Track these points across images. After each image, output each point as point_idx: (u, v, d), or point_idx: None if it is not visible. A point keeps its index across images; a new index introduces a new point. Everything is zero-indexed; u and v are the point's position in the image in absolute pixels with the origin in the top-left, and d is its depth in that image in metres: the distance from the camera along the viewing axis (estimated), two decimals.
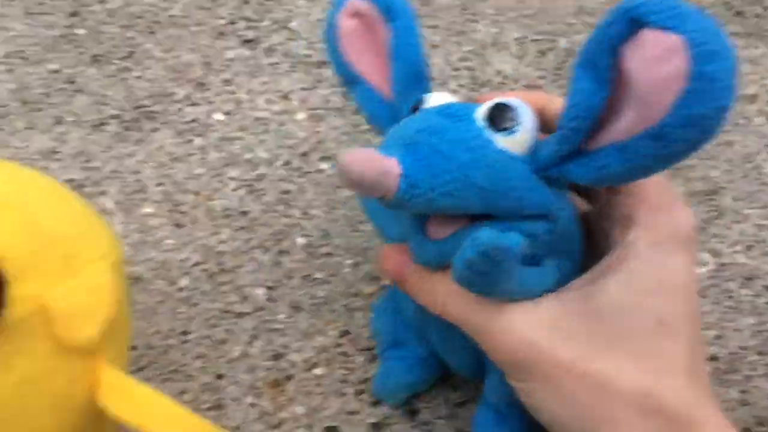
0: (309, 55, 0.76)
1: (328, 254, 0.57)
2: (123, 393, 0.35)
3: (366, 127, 0.68)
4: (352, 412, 0.47)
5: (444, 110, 0.38)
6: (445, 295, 0.38)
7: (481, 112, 0.36)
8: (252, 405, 0.47)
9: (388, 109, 0.44)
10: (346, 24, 0.45)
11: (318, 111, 0.70)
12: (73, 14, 0.80)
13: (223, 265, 0.56)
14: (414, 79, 0.42)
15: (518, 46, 0.78)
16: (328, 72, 0.74)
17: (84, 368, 0.35)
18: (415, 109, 0.40)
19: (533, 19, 0.81)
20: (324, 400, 0.48)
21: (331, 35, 0.45)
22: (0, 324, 0.30)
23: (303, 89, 0.72)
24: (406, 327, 0.47)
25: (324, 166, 0.64)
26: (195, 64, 0.75)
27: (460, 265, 0.33)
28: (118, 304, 0.35)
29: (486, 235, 0.32)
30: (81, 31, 0.78)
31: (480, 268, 0.33)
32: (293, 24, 0.80)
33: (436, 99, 0.40)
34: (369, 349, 0.50)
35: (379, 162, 0.34)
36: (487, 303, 0.36)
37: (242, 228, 0.59)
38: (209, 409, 0.47)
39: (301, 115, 0.69)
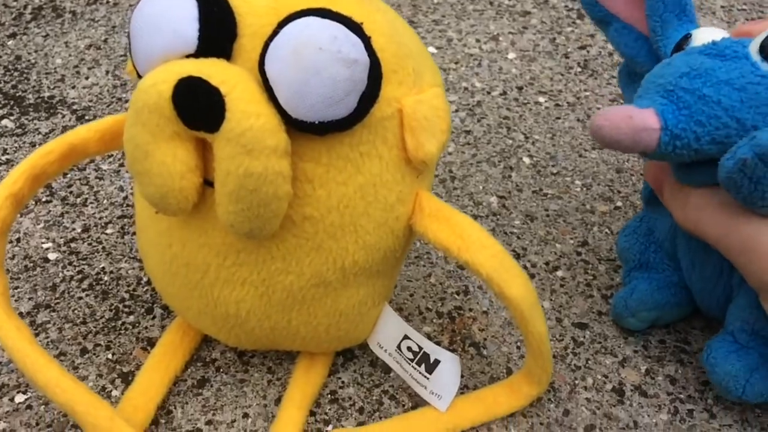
0: (513, 5, 0.77)
1: (557, 174, 0.56)
2: (443, 220, 0.35)
3: (579, 69, 0.68)
4: (601, 313, 0.46)
5: (710, 49, 0.34)
6: (698, 209, 0.35)
7: (755, 44, 0.33)
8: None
9: (647, 48, 0.41)
10: None
11: (528, 53, 0.70)
12: None
13: (453, 174, 0.56)
14: (676, 11, 0.39)
15: None
16: (534, 20, 0.75)
17: (412, 189, 0.35)
18: (679, 47, 0.37)
19: None
20: (570, 300, 0.47)
21: None
22: (365, 119, 0.31)
23: (511, 33, 0.73)
24: (656, 250, 0.44)
25: (541, 99, 0.64)
26: (403, 5, 0.77)
27: (731, 164, 0.30)
28: (448, 133, 0.36)
29: (767, 137, 0.29)
30: None
31: (753, 172, 0.30)
32: None
33: (704, 35, 0.36)
34: (611, 260, 0.49)
35: (635, 119, 0.31)
36: (753, 216, 0.33)
37: (467, 144, 0.59)
38: (455, 293, 0.46)
39: (512, 55, 0.70)
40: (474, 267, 0.34)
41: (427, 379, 0.39)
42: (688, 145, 0.32)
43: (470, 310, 0.46)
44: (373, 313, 0.39)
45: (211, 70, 0.29)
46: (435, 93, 0.34)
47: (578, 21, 0.75)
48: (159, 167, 0.30)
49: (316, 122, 0.30)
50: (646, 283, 0.43)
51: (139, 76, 0.32)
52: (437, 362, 0.39)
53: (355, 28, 0.30)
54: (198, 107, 0.29)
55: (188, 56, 0.30)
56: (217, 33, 0.30)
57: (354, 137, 0.32)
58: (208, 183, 0.32)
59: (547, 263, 0.49)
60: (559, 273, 0.48)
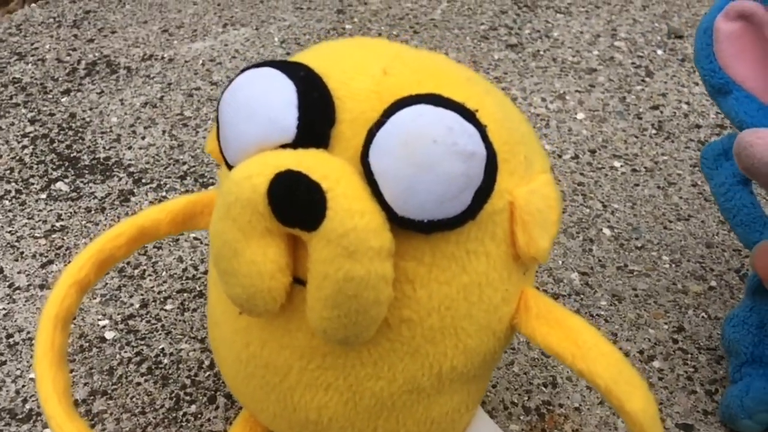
0: (577, 62, 0.75)
1: (641, 248, 0.52)
2: (554, 323, 0.32)
3: (654, 131, 0.65)
4: (706, 412, 0.41)
5: None
6: None
7: None
8: (588, 388, 0.43)
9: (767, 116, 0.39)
10: (727, 27, 0.42)
11: (597, 113, 0.67)
12: (340, 11, 0.84)
13: None
14: None
15: None
16: (601, 77, 0.72)
17: (518, 288, 0.32)
18: None
19: None
20: (670, 396, 0.42)
21: (705, 40, 0.42)
22: (476, 215, 0.28)
23: (577, 91, 0.70)
24: None
25: (617, 164, 0.61)
26: (463, 62, 0.75)
27: None
28: (558, 225, 0.32)
29: None
30: (349, 26, 0.81)
31: None
32: (555, 33, 0.79)
33: None
34: (711, 349, 0.45)
35: None
36: None
37: None
38: (542, 384, 0.42)
39: (580, 115, 0.67)
40: (591, 378, 0.30)
41: None
42: None
43: (560, 405, 0.41)
44: (465, 419, 0.35)
45: (311, 163, 0.26)
46: (545, 181, 0.30)
47: (647, 79, 0.72)
48: (248, 267, 0.27)
49: (425, 221, 0.27)
50: (764, 381, 0.39)
51: (227, 164, 0.29)
52: None
53: (469, 116, 0.27)
54: (296, 204, 0.26)
55: (284, 145, 0.27)
56: (317, 121, 0.27)
57: (462, 234, 0.28)
58: (297, 281, 0.29)
59: (641, 352, 0.45)
60: (656, 364, 0.44)
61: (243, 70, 0.29)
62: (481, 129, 0.27)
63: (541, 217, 0.30)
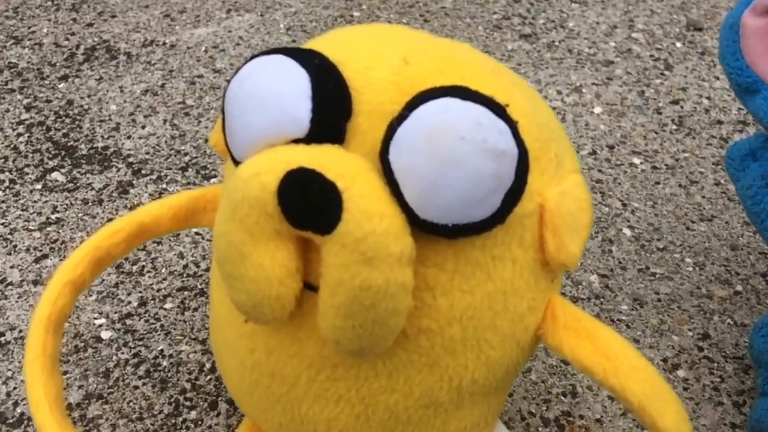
0: (593, 54, 0.72)
1: (663, 249, 0.50)
2: (584, 335, 0.30)
3: (674, 127, 0.62)
4: (734, 425, 0.39)
5: None
6: None
7: None
8: (610, 398, 0.40)
9: None
10: (754, 23, 0.39)
11: (615, 107, 0.65)
12: None
13: None
14: None
15: None
16: (618, 70, 0.69)
17: (545, 296, 0.30)
18: None
19: None
20: (696, 407, 0.40)
21: (731, 36, 0.39)
22: (506, 219, 0.26)
23: (594, 84, 0.68)
24: None
25: (636, 160, 0.58)
26: None
27: None
28: (589, 229, 0.30)
29: None
30: (357, 14, 0.78)
31: None
32: (570, 24, 0.77)
33: None
34: (738, 358, 0.43)
35: None
36: None
37: None
38: (561, 394, 0.40)
39: (598, 109, 0.64)
40: (622, 394, 0.28)
41: None
42: None
43: (581, 417, 0.39)
44: None
45: (325, 160, 0.24)
46: (576, 181, 0.28)
47: (666, 72, 0.69)
48: (255, 271, 0.25)
49: (449, 225, 0.24)
50: None
51: (234, 159, 0.27)
52: None
53: (499, 111, 0.24)
54: (309, 205, 0.24)
55: (296, 140, 0.25)
56: (332, 113, 0.25)
57: (488, 239, 0.26)
58: (307, 286, 0.27)
59: (665, 360, 0.43)
60: (681, 373, 0.42)
61: (251, 58, 0.27)
62: (512, 125, 0.24)
63: (573, 220, 0.27)
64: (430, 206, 0.24)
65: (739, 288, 0.47)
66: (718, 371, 0.42)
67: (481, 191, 0.24)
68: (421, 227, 0.24)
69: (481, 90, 0.25)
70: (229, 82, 0.27)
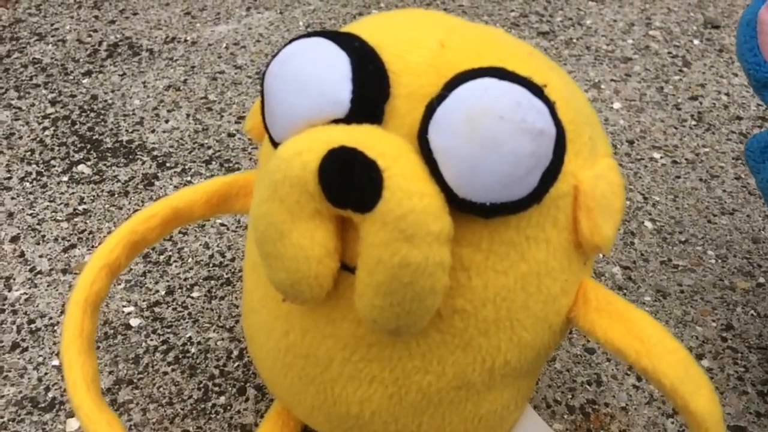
0: (612, 51, 0.72)
1: (685, 242, 0.50)
2: (616, 317, 0.30)
3: (694, 122, 0.62)
4: (759, 414, 0.39)
5: None
6: None
7: None
8: (635, 387, 0.41)
9: None
10: None
11: (635, 102, 0.65)
12: None
13: None
14: None
15: None
16: (637, 67, 0.70)
17: (578, 278, 0.30)
18: None
19: None
20: (721, 397, 0.40)
21: (748, 32, 0.39)
22: (542, 198, 0.26)
23: (613, 80, 0.68)
24: None
25: (656, 155, 0.59)
26: None
27: None
28: (622, 212, 0.30)
29: None
30: (375, 11, 0.79)
31: None
32: (587, 21, 0.77)
33: None
34: (762, 348, 0.43)
35: None
36: None
37: None
38: (586, 382, 0.41)
39: (617, 104, 0.65)
40: (655, 376, 0.28)
41: None
42: None
43: (606, 405, 0.40)
44: (514, 416, 0.33)
45: (366, 139, 0.24)
46: (609, 165, 0.28)
47: (685, 69, 0.69)
48: (294, 251, 0.25)
49: (487, 204, 0.25)
50: None
51: (273, 141, 0.27)
52: None
53: (538, 92, 0.25)
54: (350, 184, 0.24)
55: (336, 121, 0.26)
56: (371, 94, 0.26)
57: (522, 219, 0.26)
58: (343, 266, 0.27)
59: (689, 350, 0.43)
60: (705, 363, 0.42)
61: (291, 41, 0.28)
62: (551, 105, 0.25)
63: (606, 203, 0.28)
64: (469, 185, 0.24)
65: (761, 280, 0.47)
66: (742, 361, 0.42)
67: (519, 170, 0.24)
68: (458, 206, 0.25)
69: (519, 72, 0.25)
70: (267, 66, 0.27)
